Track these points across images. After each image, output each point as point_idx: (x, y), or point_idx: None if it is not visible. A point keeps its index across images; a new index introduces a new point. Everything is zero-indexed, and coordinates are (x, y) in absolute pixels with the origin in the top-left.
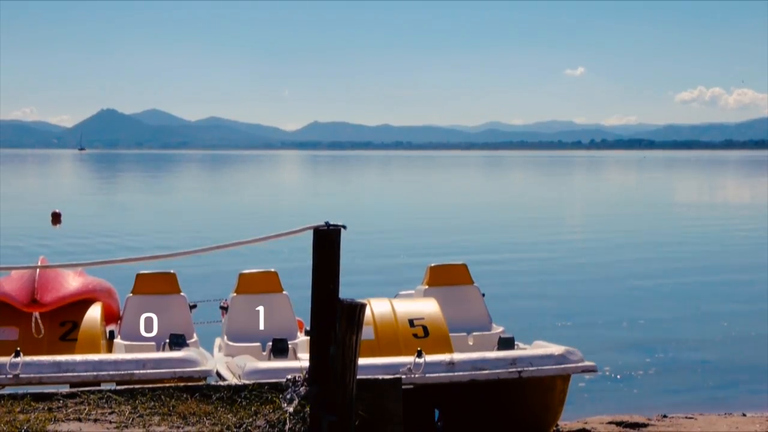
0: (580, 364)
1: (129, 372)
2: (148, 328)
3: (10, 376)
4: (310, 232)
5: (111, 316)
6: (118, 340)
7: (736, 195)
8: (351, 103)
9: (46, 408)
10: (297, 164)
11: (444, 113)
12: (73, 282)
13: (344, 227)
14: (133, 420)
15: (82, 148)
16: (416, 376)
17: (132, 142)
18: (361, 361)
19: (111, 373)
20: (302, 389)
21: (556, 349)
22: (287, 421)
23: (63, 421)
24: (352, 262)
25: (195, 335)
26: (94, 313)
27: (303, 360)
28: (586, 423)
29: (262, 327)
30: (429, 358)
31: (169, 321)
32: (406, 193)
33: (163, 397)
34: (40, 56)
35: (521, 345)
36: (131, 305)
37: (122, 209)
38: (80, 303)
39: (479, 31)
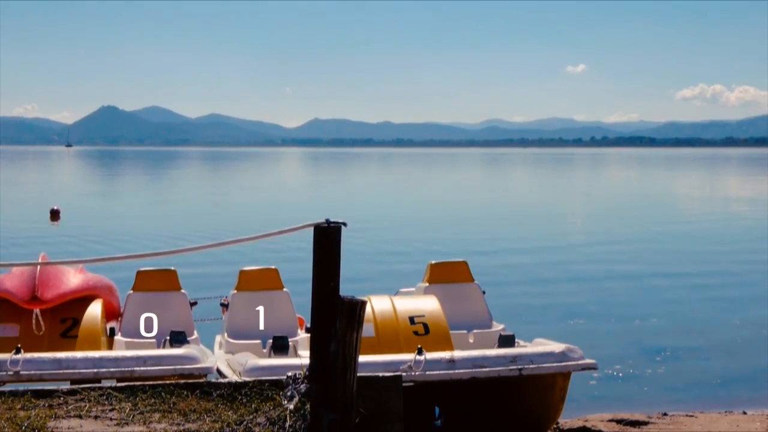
0: (580, 362)
1: (129, 369)
2: (149, 326)
3: (11, 373)
4: (311, 230)
5: (111, 313)
6: (118, 337)
7: (738, 192)
8: (352, 100)
9: (46, 405)
10: (298, 161)
11: (445, 110)
12: (73, 279)
13: (345, 224)
14: (133, 417)
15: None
16: (417, 373)
17: (133, 139)
18: (362, 358)
19: (111, 370)
20: (303, 386)
21: (556, 346)
22: (288, 418)
23: (63, 417)
24: (353, 260)
25: (195, 332)
26: (95, 310)
27: (303, 357)
28: (586, 421)
29: (262, 324)
30: (429, 355)
31: (169, 318)
32: (406, 191)
33: (163, 394)
34: (42, 53)
35: (522, 342)
36: (132, 302)
37: (122, 206)
38: (81, 300)
39: (480, 29)
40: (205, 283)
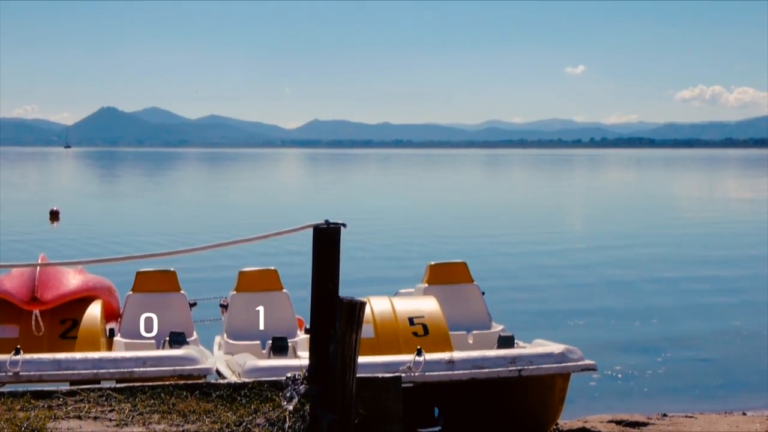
0: (579, 363)
1: (129, 370)
2: (148, 326)
3: (11, 373)
4: (310, 230)
5: (111, 313)
6: (118, 338)
7: (738, 194)
8: (351, 101)
9: (46, 406)
10: (297, 162)
11: (444, 111)
12: (73, 280)
13: (344, 225)
14: (132, 418)
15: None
16: (416, 374)
17: (133, 140)
18: (361, 359)
19: (111, 370)
20: (302, 387)
21: (555, 347)
22: (287, 419)
23: (63, 419)
24: (352, 261)
25: (195, 333)
26: (94, 310)
27: (303, 358)
28: (586, 422)
29: (262, 325)
30: (429, 356)
31: (169, 319)
32: (406, 192)
33: (162, 395)
34: (41, 54)
35: (521, 343)
36: (131, 303)
37: (122, 207)
38: (80, 301)
39: (480, 29)
40: (205, 284)
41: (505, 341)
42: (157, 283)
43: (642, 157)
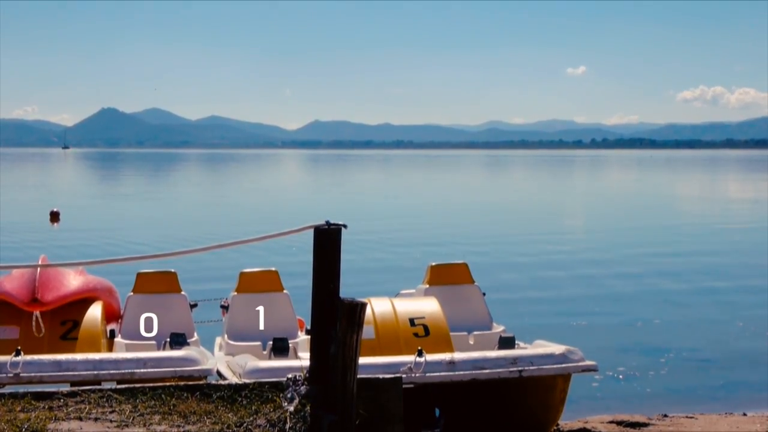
0: (580, 364)
1: (129, 371)
2: (149, 327)
3: (11, 375)
4: (311, 231)
5: (112, 315)
6: (118, 339)
7: (737, 195)
8: (352, 102)
9: (46, 407)
10: (298, 163)
11: (445, 112)
12: (73, 281)
13: (345, 226)
14: (133, 419)
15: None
16: (417, 375)
17: (133, 140)
18: (362, 360)
19: (111, 372)
20: (303, 388)
21: (556, 348)
22: (288, 420)
23: (63, 420)
24: (353, 261)
25: (195, 334)
26: (95, 312)
27: (303, 359)
28: (586, 422)
29: (262, 326)
30: (429, 357)
31: (169, 320)
32: (406, 192)
33: (163, 396)
34: (41, 55)
35: (522, 344)
36: (132, 304)
37: (122, 208)
38: (81, 302)
39: (481, 30)
40: (206, 285)
41: (506, 342)
42: (158, 284)
43: (643, 158)
